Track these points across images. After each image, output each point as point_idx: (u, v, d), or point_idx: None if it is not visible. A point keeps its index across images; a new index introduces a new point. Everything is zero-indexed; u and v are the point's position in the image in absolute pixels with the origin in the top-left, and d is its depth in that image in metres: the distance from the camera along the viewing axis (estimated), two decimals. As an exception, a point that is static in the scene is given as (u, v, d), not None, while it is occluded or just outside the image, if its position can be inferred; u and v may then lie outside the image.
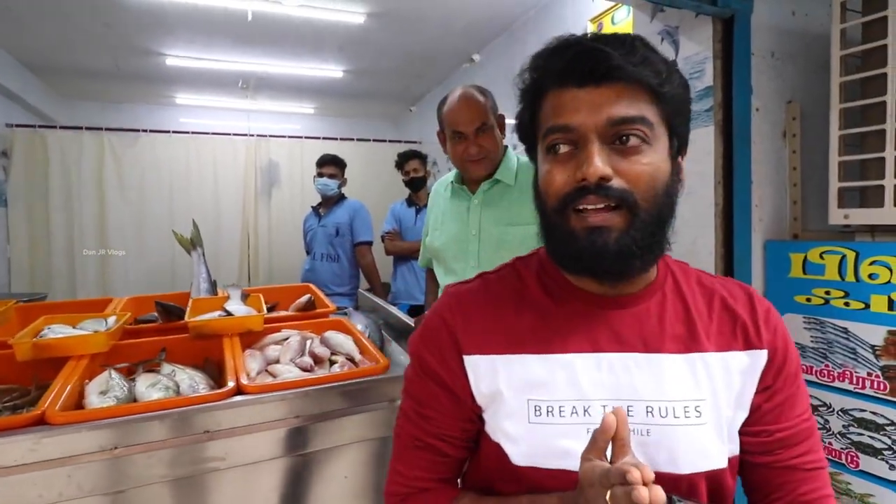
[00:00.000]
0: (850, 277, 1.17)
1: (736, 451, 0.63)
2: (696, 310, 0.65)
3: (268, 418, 1.08)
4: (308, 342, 1.42)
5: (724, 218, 1.30)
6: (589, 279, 0.65)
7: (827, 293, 1.21)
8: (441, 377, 0.66)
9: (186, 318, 1.42)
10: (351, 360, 1.33)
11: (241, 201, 4.41)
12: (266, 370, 1.28)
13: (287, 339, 1.44)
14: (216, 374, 1.28)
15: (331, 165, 3.12)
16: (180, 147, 4.25)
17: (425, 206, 3.25)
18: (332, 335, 1.43)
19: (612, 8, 2.36)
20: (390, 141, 5.06)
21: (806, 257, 1.25)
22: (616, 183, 0.57)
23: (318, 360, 1.33)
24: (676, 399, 0.60)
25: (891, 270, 1.09)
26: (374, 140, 4.96)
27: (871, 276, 1.13)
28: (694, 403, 0.60)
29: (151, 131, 4.22)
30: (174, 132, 4.30)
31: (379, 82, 4.47)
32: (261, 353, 1.34)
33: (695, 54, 1.34)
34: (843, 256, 1.18)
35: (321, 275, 3.03)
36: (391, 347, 1.65)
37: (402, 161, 3.31)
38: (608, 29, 2.42)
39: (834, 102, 1.17)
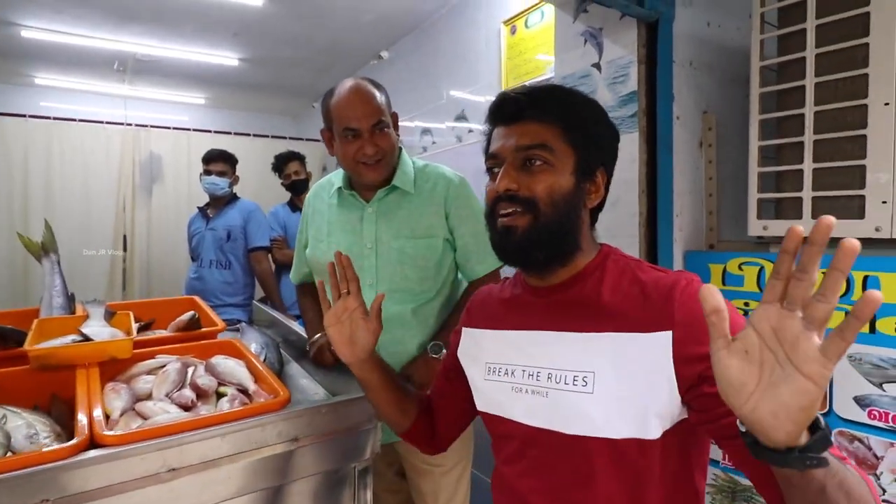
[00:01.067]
0: (767, 289, 1.17)
1: (648, 435, 0.68)
2: (608, 297, 0.75)
3: (133, 475, 0.86)
4: (190, 370, 1.20)
5: (647, 227, 1.27)
6: (530, 274, 0.84)
7: (746, 304, 1.21)
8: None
9: (27, 345, 1.13)
10: (243, 391, 1.13)
11: (115, 199, 3.90)
12: (134, 409, 1.04)
13: (164, 367, 1.20)
14: (65, 418, 1.02)
15: (219, 162, 2.80)
16: (39, 134, 3.67)
17: None
18: (219, 361, 1.21)
19: (526, 10, 2.32)
20: (291, 138, 4.75)
21: (725, 268, 1.24)
22: (522, 193, 0.75)
23: (201, 394, 1.11)
24: (568, 369, 0.74)
25: (807, 283, 1.10)
26: (273, 136, 4.63)
27: (788, 288, 1.13)
28: (582, 374, 0.73)
29: (2, 114, 3.61)
30: (32, 116, 3.71)
31: (279, 74, 4.15)
32: (127, 388, 1.09)
33: (619, 58, 1.30)
34: (762, 268, 1.18)
35: (210, 284, 2.71)
36: (291, 369, 1.46)
37: (280, 164, 3.14)
38: (521, 32, 2.37)
39: (753, 113, 1.17)
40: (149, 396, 1.11)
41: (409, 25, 3.19)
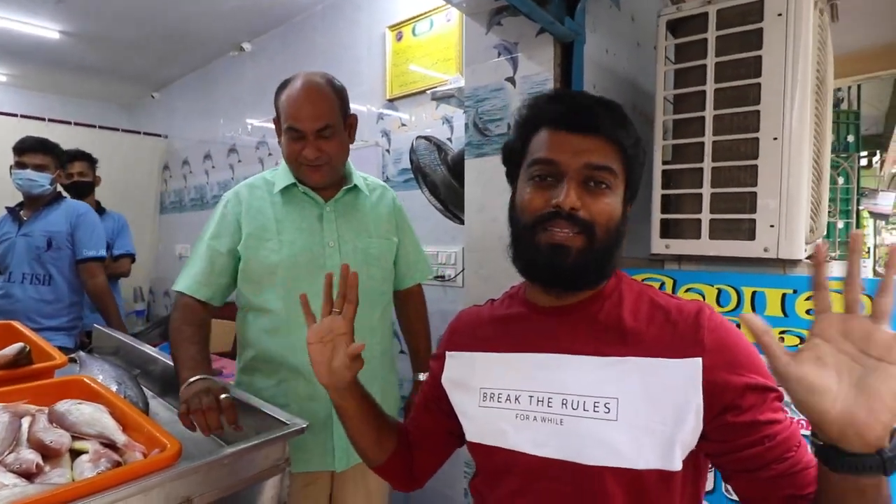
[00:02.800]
0: (667, 303, 1.25)
1: (672, 466, 0.65)
2: (631, 321, 0.72)
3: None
4: (25, 423, 0.91)
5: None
6: (539, 290, 0.79)
7: (649, 319, 1.27)
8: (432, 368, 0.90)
9: None
10: (110, 445, 0.89)
11: None
12: (-56, 486, 0.75)
13: (-16, 420, 0.90)
14: None
15: (38, 153, 2.28)
16: None
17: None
18: (69, 407, 0.94)
19: (414, 18, 2.27)
20: (124, 130, 4.13)
21: (629, 284, 1.30)
22: (582, 214, 0.71)
23: (49, 455, 0.84)
24: (588, 395, 0.69)
25: (703, 296, 1.20)
26: (101, 127, 3.97)
27: (687, 302, 1.22)
28: (604, 400, 0.68)
29: None
30: None
31: (112, 55, 3.57)
32: (-70, 457, 0.79)
33: (535, 74, 1.30)
34: (662, 283, 1.25)
35: (22, 303, 2.19)
36: (156, 407, 1.23)
37: (62, 161, 2.68)
38: (408, 39, 2.32)
39: (658, 139, 1.24)
40: (-35, 465, 0.82)
41: (279, 18, 2.95)
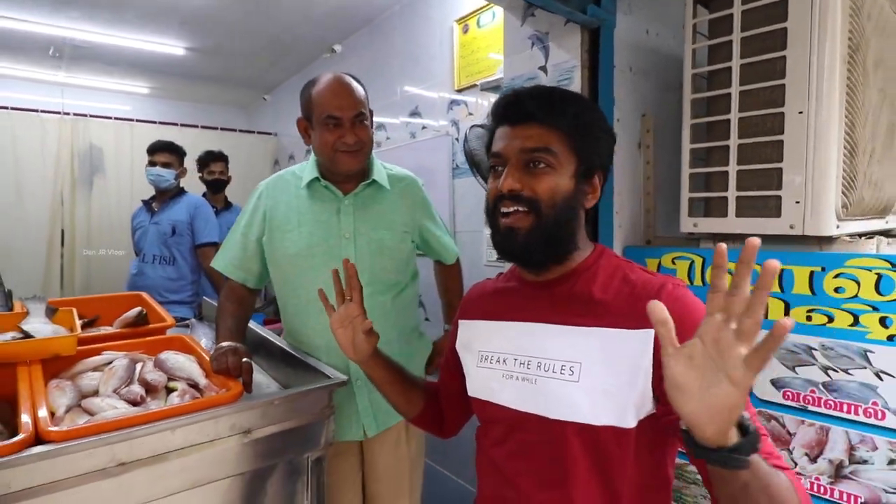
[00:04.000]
0: (697, 282, 1.26)
1: (625, 424, 0.73)
2: (600, 294, 0.81)
3: (80, 471, 0.85)
4: (138, 366, 1.18)
5: (592, 224, 1.34)
6: (524, 269, 0.89)
7: (678, 296, 1.29)
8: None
9: (-38, 344, 1.09)
10: (194, 386, 1.13)
11: (52, 191, 3.71)
12: (80, 406, 1.03)
13: (110, 363, 1.18)
14: (8, 417, 1.00)
15: (164, 152, 2.73)
16: (-35, 123, 3.45)
17: (222, 209, 3.27)
18: (168, 356, 1.20)
19: (478, 10, 2.37)
20: (241, 131, 4.65)
21: (660, 262, 1.33)
22: (526, 193, 0.80)
23: (151, 389, 1.10)
24: (557, 358, 0.80)
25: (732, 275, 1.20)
26: (223, 129, 4.52)
27: (715, 280, 1.22)
28: (569, 364, 0.78)
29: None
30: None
31: (228, 65, 4.05)
32: (72, 385, 1.08)
33: (564, 62, 1.36)
34: (692, 262, 1.27)
35: (152, 280, 2.63)
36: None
37: (208, 159, 3.29)
38: (473, 31, 2.42)
39: (686, 118, 1.25)
40: (95, 393, 1.09)
41: (363, 20, 3.18)
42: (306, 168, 1.43)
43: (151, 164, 2.69)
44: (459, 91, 2.50)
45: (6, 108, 3.63)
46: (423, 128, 2.77)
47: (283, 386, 1.37)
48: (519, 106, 0.82)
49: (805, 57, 1.06)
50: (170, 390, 1.12)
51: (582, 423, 0.76)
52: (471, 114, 2.45)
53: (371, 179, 1.40)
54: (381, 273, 1.39)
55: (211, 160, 3.27)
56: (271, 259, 1.42)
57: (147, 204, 2.81)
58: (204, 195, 3.18)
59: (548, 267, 0.85)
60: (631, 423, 0.74)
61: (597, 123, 0.83)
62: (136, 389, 1.08)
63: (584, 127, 0.81)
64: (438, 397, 1.09)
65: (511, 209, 0.80)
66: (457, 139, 2.52)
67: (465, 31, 2.46)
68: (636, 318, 0.75)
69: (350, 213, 1.38)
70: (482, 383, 0.90)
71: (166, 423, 0.93)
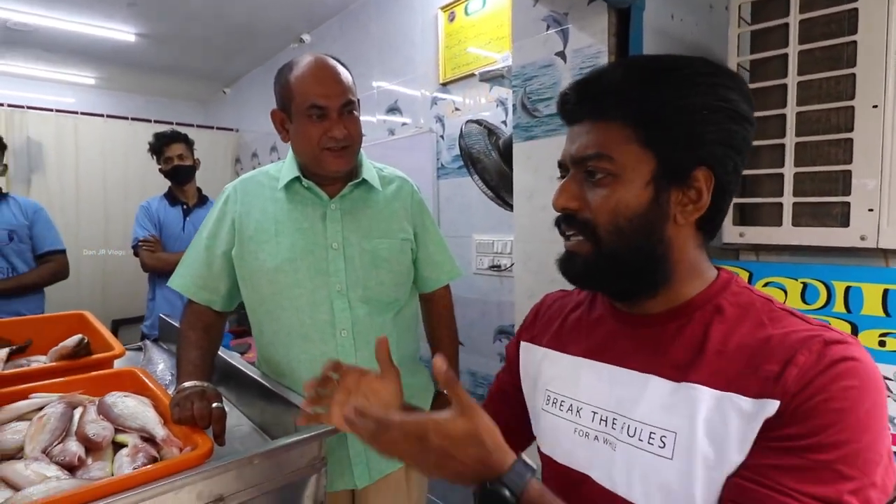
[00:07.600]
0: (741, 299, 1.10)
1: None
2: (719, 343, 0.59)
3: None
4: (77, 414, 0.95)
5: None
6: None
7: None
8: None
9: None
10: (149, 439, 0.90)
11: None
12: (-5, 476, 0.79)
13: (41, 410, 0.94)
14: None
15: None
16: None
17: (195, 204, 2.69)
18: (116, 399, 0.96)
19: (467, -4, 2.18)
20: (199, 126, 4.31)
21: (696, 276, 1.17)
22: (581, 215, 0.62)
23: (92, 448, 0.87)
24: (646, 423, 0.60)
25: (785, 292, 1.05)
26: (178, 124, 4.16)
27: (765, 297, 1.07)
28: (661, 433, 0.59)
29: None
30: None
31: (184, 54, 3.73)
32: (-14, 445, 0.83)
33: (587, 47, 1.19)
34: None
35: None
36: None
37: (160, 144, 2.62)
38: (460, 20, 2.23)
39: (730, 113, 1.10)
40: (20, 453, 0.86)
41: (335, 7, 2.94)
42: (283, 167, 1.21)
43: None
44: (445, 85, 2.31)
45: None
46: (404, 124, 2.56)
47: (258, 426, 1.15)
48: (567, 98, 0.65)
49: (881, 42, 0.91)
50: (118, 446, 0.89)
51: None
52: (457, 109, 2.26)
53: (361, 179, 1.20)
54: (377, 288, 1.18)
55: (164, 144, 2.62)
56: (243, 276, 1.19)
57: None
58: (169, 191, 2.71)
59: (633, 302, 0.67)
60: None
61: (695, 98, 0.58)
62: (73, 448, 0.84)
63: (663, 108, 0.58)
64: None
65: (569, 233, 0.65)
66: (442, 136, 2.33)
67: (452, 19, 2.27)
68: (759, 382, 0.54)
69: (337, 218, 1.18)
70: (548, 434, 0.73)
71: (116, 499, 0.71)
